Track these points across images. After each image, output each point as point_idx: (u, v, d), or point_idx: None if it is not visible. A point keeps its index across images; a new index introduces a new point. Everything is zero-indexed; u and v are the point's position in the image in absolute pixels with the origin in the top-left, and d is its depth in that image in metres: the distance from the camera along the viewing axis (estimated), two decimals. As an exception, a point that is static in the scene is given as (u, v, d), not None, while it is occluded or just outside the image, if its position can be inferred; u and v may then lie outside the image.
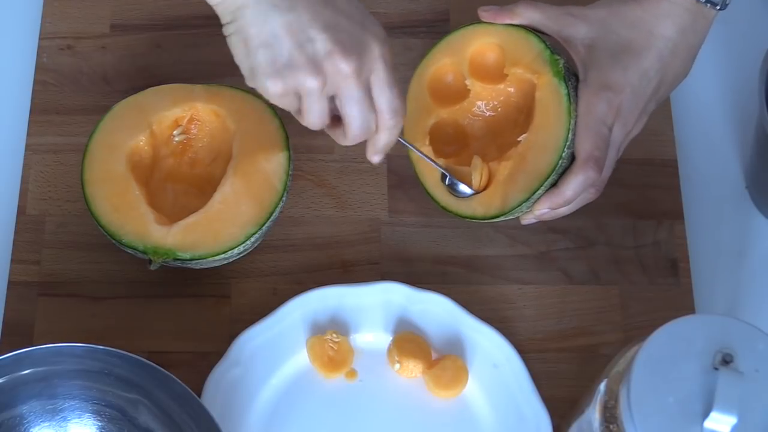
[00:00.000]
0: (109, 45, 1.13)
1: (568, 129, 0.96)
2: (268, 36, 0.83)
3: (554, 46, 0.99)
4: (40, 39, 1.12)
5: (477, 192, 1.00)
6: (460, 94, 1.03)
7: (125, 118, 1.02)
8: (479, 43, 1.02)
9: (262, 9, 0.83)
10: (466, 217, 1.00)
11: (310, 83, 0.84)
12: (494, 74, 1.02)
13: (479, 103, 1.03)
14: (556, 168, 0.96)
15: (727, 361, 0.75)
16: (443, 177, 1.01)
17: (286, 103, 0.87)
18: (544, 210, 0.97)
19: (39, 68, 1.11)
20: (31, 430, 0.92)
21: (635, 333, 1.01)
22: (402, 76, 1.11)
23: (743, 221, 1.08)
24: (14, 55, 1.13)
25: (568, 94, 0.96)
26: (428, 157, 1.00)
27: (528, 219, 0.99)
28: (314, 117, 0.87)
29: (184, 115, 1.03)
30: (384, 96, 0.87)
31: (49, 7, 1.14)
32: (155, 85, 1.03)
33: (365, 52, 0.85)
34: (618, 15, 0.97)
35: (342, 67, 0.84)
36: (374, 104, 0.88)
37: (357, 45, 0.85)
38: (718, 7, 0.95)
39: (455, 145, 1.04)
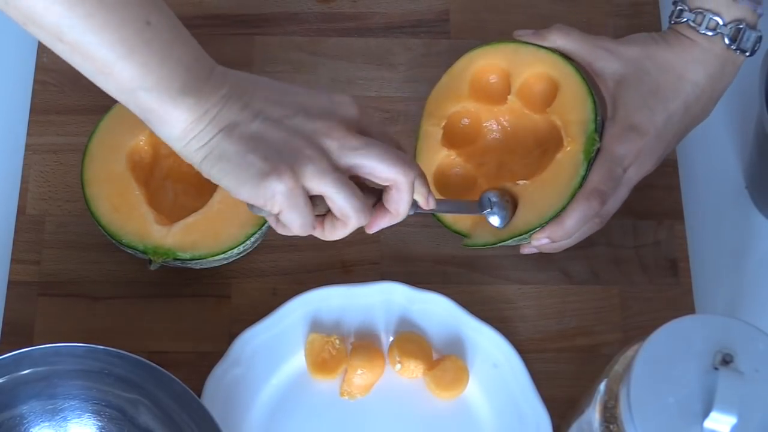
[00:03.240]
0: (109, 45, 1.13)
1: (563, 207, 0.96)
2: (253, 143, 0.79)
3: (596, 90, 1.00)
4: (40, 39, 1.12)
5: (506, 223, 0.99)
6: (496, 98, 1.03)
7: (125, 118, 1.01)
8: (540, 69, 1.01)
9: (232, 126, 0.79)
10: (455, 231, 1.01)
11: (317, 161, 0.80)
12: (537, 104, 1.02)
13: (507, 117, 1.04)
14: (531, 232, 0.97)
15: (727, 361, 0.75)
16: (481, 206, 0.99)
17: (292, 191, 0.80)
18: (543, 240, 0.97)
19: (39, 68, 1.11)
20: (31, 430, 0.92)
21: (635, 333, 1.01)
22: (402, 77, 1.12)
23: (743, 221, 1.08)
24: (14, 55, 1.13)
25: (584, 177, 0.96)
26: (458, 206, 0.99)
27: (528, 249, 1.00)
28: (298, 217, 0.81)
29: (184, 115, 1.03)
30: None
31: (49, 7, 1.14)
32: (155, 85, 1.03)
33: (343, 116, 0.82)
34: (650, 56, 0.98)
35: (331, 142, 0.81)
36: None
37: (331, 113, 0.81)
38: (747, 54, 0.96)
39: (464, 137, 1.03)
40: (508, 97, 1.02)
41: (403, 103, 1.10)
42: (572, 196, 0.96)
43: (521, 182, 0.99)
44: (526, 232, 0.97)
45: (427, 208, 0.87)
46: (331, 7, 1.15)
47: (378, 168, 0.82)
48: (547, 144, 1.01)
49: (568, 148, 0.98)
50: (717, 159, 1.11)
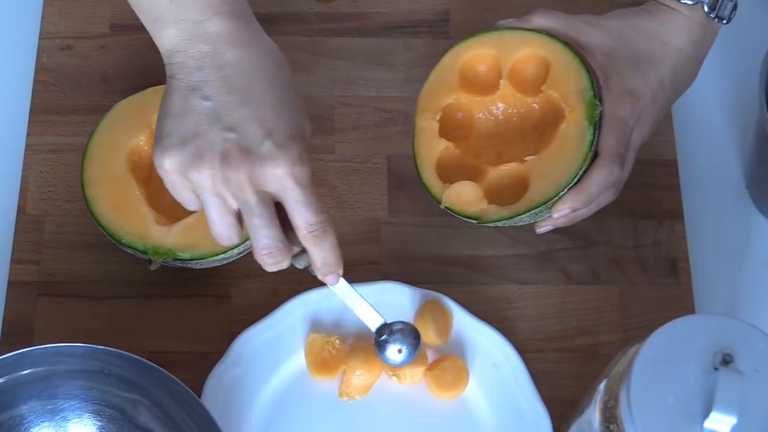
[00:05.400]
0: (109, 45, 1.13)
1: (577, 173, 0.95)
2: (180, 109, 0.83)
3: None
4: (40, 39, 1.12)
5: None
6: (488, 88, 1.03)
7: (125, 118, 1.02)
8: (529, 51, 1.01)
9: (190, 90, 0.83)
10: (465, 218, 1.00)
11: (204, 173, 0.82)
12: (530, 86, 1.02)
13: (500, 104, 1.03)
14: (548, 203, 0.96)
15: (727, 361, 0.75)
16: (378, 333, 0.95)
17: (178, 189, 0.85)
18: (564, 210, 0.96)
19: (39, 68, 1.11)
20: (31, 430, 0.92)
21: (635, 333, 1.01)
22: (402, 77, 1.11)
23: (743, 221, 1.08)
24: (14, 55, 1.13)
25: (592, 141, 0.96)
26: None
27: (545, 227, 0.99)
28: (214, 219, 0.85)
29: (184, 115, 1.03)
30: (297, 213, 0.84)
31: (49, 7, 1.14)
32: (155, 85, 1.03)
33: (267, 165, 0.82)
34: (634, 26, 0.99)
35: (232, 174, 0.82)
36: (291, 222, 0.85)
37: (255, 157, 0.82)
38: (725, 21, 0.98)
39: (460, 130, 1.03)
40: (500, 81, 1.02)
41: (403, 103, 1.10)
42: (584, 160, 0.95)
43: (529, 158, 0.98)
44: (543, 204, 0.96)
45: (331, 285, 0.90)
46: (331, 7, 1.15)
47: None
48: (543, 126, 1.01)
49: (571, 118, 0.97)
50: (717, 159, 1.11)
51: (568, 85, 0.98)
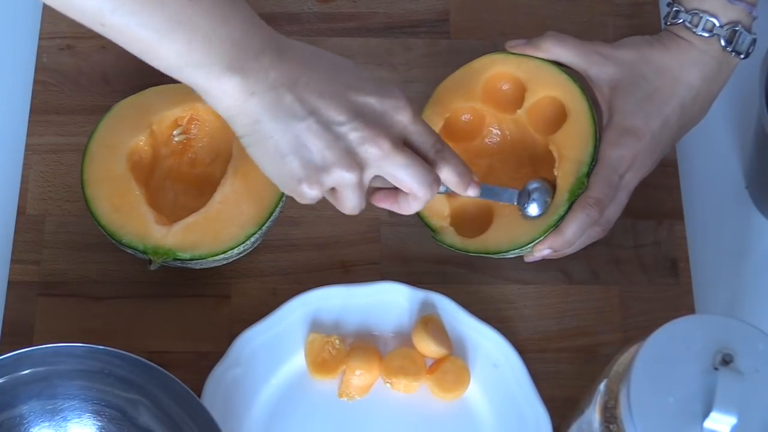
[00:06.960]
0: (109, 45, 1.11)
1: (533, 240, 0.96)
2: (295, 144, 0.82)
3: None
4: (40, 39, 1.12)
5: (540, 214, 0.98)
6: (504, 106, 1.03)
7: (125, 118, 1.02)
8: (556, 95, 1.00)
9: (280, 118, 0.82)
10: (425, 224, 1.01)
11: (348, 178, 0.84)
12: (542, 127, 1.01)
13: (511, 126, 1.03)
14: (497, 254, 0.98)
15: (727, 361, 0.75)
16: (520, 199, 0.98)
17: (318, 198, 0.86)
18: (545, 251, 0.97)
19: (39, 68, 1.11)
20: (31, 430, 0.92)
21: (635, 333, 1.01)
22: (401, 77, 1.11)
23: (743, 221, 1.08)
24: (14, 55, 1.13)
25: (562, 217, 0.96)
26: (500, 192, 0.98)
27: (532, 258, 0.99)
28: (353, 204, 0.87)
29: (184, 115, 1.03)
30: (422, 139, 0.87)
31: (49, 7, 1.13)
32: (155, 85, 1.03)
33: (393, 125, 0.85)
34: (646, 59, 0.97)
35: (376, 151, 0.84)
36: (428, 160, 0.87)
37: (383, 121, 0.84)
38: (742, 56, 0.97)
39: (464, 133, 1.03)
40: (518, 111, 1.02)
41: (403, 103, 1.10)
42: (545, 233, 0.96)
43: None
44: (495, 253, 0.98)
45: (464, 195, 0.91)
46: (331, 7, 1.15)
47: (403, 183, 0.86)
48: (540, 166, 1.01)
49: (557, 187, 0.97)
50: (717, 159, 1.11)
51: (573, 150, 0.98)
